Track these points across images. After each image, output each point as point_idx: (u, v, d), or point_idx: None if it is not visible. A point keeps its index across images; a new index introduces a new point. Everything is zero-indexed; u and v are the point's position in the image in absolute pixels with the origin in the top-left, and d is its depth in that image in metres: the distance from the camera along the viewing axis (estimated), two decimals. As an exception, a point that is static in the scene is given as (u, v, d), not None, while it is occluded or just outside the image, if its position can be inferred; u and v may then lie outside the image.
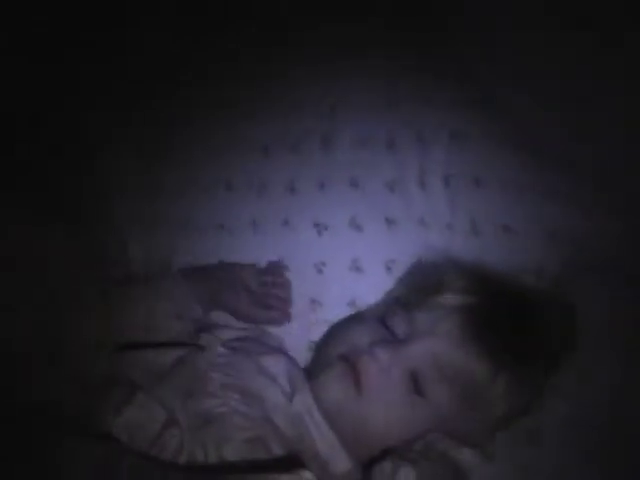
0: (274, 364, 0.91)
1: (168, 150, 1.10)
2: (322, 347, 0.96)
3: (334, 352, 0.91)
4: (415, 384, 0.86)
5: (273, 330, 1.01)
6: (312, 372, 0.92)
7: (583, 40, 1.03)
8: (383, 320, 0.92)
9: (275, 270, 1.04)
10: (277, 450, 0.82)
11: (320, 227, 1.03)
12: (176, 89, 1.12)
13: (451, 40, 1.11)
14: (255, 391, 0.87)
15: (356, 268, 1.02)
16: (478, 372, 0.85)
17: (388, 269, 1.02)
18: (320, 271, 1.02)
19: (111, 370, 0.87)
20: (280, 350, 0.97)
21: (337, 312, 1.00)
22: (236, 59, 1.13)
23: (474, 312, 0.88)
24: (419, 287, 0.95)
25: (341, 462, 0.85)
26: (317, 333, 0.99)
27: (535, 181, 1.02)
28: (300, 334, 1.01)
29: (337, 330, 0.96)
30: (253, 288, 1.02)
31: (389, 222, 1.03)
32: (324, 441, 0.86)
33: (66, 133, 1.05)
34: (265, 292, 1.02)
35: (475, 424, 0.86)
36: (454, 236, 1.03)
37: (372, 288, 1.01)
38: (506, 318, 0.88)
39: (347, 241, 1.03)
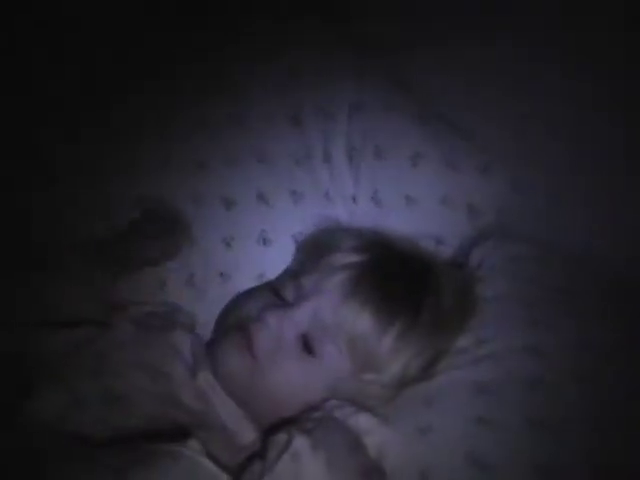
0: (180, 341, 0.93)
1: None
2: (219, 320, 0.99)
3: (229, 323, 0.94)
4: (306, 346, 0.88)
5: (184, 306, 1.02)
6: (211, 345, 0.95)
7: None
8: (276, 290, 0.94)
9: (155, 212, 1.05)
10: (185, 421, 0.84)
11: (228, 202, 1.05)
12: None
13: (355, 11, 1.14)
14: (161, 368, 0.88)
15: (264, 241, 1.04)
16: (362, 327, 0.87)
17: (296, 242, 1.04)
18: (229, 245, 1.04)
19: (18, 348, 0.87)
20: (186, 326, 0.98)
21: (246, 285, 1.01)
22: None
23: (360, 268, 0.90)
24: (312, 253, 0.97)
25: (247, 433, 0.87)
26: (227, 307, 1.00)
27: (435, 152, 1.05)
28: (211, 308, 1.01)
29: (233, 302, 0.99)
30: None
31: (295, 195, 1.06)
32: (229, 414, 0.88)
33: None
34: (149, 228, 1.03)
35: (370, 387, 0.87)
36: (358, 207, 1.06)
37: (280, 260, 1.04)
38: (396, 276, 0.90)
39: (255, 215, 1.05)
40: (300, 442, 0.76)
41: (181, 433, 0.78)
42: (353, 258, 0.92)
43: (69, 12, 1.10)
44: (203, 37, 1.12)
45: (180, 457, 0.72)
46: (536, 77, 1.01)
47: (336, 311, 0.88)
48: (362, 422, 0.81)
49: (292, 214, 1.06)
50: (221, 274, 1.04)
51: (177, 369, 0.89)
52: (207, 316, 1.01)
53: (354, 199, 1.07)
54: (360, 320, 0.87)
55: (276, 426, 0.84)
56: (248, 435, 0.87)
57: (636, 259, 1.00)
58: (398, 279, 0.91)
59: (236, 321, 0.92)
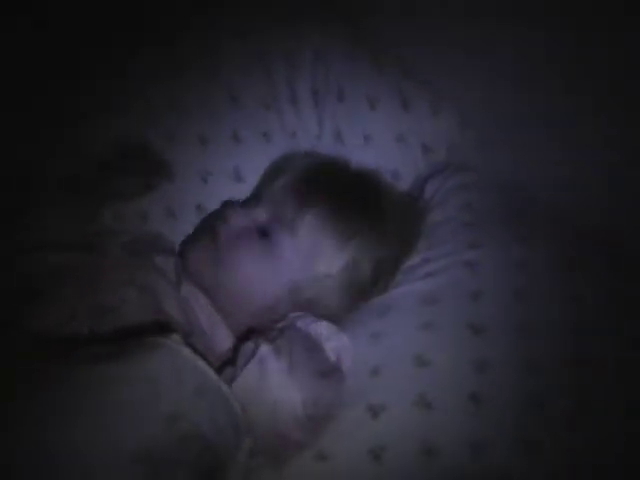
0: (164, 262, 1.02)
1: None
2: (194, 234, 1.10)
3: (198, 229, 1.08)
4: (263, 234, 1.00)
5: (165, 233, 1.11)
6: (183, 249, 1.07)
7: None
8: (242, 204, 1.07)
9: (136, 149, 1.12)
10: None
11: (203, 140, 1.13)
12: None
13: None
14: (148, 285, 0.97)
15: (237, 177, 1.13)
16: (310, 225, 0.99)
17: (264, 176, 1.14)
18: (204, 180, 1.13)
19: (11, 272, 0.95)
20: (169, 250, 1.08)
21: (220, 215, 1.11)
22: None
23: (314, 180, 1.03)
24: (271, 175, 1.10)
25: (223, 340, 0.97)
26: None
27: (391, 95, 1.15)
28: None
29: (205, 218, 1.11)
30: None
31: (266, 136, 1.15)
32: (208, 320, 0.98)
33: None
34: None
35: (325, 283, 0.99)
36: (322, 146, 1.16)
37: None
38: (346, 186, 1.03)
39: (229, 153, 1.14)
40: (265, 349, 0.86)
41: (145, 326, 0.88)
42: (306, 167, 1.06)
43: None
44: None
45: (160, 346, 0.79)
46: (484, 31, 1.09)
47: (291, 210, 1.00)
48: (322, 329, 0.91)
49: (263, 152, 1.14)
50: (198, 206, 1.12)
51: (161, 284, 0.98)
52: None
53: (318, 137, 1.16)
54: (309, 219, 0.99)
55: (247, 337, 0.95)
56: (224, 341, 0.97)
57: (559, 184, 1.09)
58: (348, 189, 1.03)
59: (204, 225, 1.06)
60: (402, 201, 1.10)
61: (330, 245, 1.00)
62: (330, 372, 0.88)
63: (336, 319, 0.96)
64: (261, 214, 1.03)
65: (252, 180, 1.14)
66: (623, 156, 1.05)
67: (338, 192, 1.02)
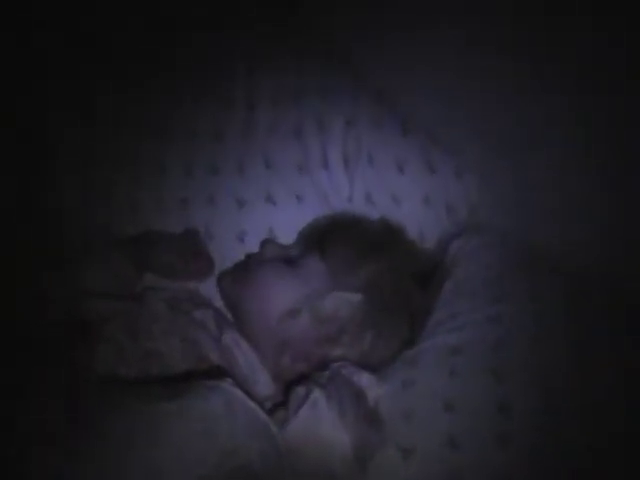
0: (203, 315, 1.10)
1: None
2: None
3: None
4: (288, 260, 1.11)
5: (204, 291, 1.18)
6: None
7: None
8: None
9: (191, 235, 1.20)
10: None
11: (240, 202, 1.21)
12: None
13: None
14: (190, 335, 1.05)
15: (272, 236, 1.20)
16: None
17: (299, 236, 1.22)
18: (242, 240, 1.20)
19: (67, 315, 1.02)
20: (207, 304, 1.16)
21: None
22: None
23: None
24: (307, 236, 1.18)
25: (264, 384, 1.04)
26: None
27: (417, 159, 1.22)
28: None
29: None
30: (180, 250, 1.17)
31: (299, 198, 1.22)
32: (250, 366, 1.04)
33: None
34: (188, 252, 1.17)
35: (350, 307, 1.05)
36: (353, 207, 1.23)
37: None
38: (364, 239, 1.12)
39: (264, 214, 1.21)
40: (317, 393, 0.92)
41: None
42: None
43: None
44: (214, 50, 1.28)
45: (214, 387, 0.86)
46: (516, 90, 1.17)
47: (319, 244, 1.11)
48: (363, 379, 0.97)
49: (296, 213, 1.22)
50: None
51: (202, 335, 1.06)
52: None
53: (349, 199, 1.23)
54: (336, 245, 1.10)
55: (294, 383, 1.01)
56: (265, 387, 1.03)
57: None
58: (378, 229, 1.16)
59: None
60: (425, 254, 1.19)
61: (353, 265, 1.08)
62: (372, 417, 0.94)
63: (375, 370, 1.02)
64: (294, 250, 1.14)
65: (285, 240, 1.20)
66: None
67: (367, 229, 1.14)
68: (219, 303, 1.17)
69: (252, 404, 0.86)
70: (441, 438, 0.92)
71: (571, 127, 1.15)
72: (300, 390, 0.94)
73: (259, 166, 1.23)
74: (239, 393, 0.86)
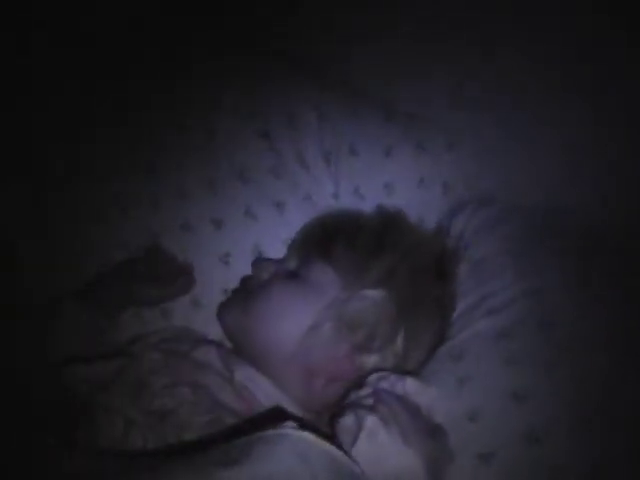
0: (205, 354, 0.97)
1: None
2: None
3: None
4: (293, 274, 0.99)
5: (194, 326, 1.06)
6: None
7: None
8: None
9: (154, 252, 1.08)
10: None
11: (217, 223, 1.09)
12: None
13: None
14: (197, 382, 0.92)
15: (259, 253, 1.09)
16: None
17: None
18: (226, 263, 1.08)
19: (56, 387, 0.90)
20: (206, 340, 1.03)
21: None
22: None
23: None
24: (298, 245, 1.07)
25: (292, 415, 0.90)
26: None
27: (404, 140, 1.13)
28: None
29: None
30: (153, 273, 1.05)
31: (280, 206, 1.11)
32: (272, 402, 0.92)
33: None
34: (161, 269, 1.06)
35: (374, 307, 0.95)
36: (340, 205, 1.13)
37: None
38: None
39: (246, 231, 1.10)
40: (371, 420, 0.77)
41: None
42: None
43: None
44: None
45: (279, 438, 0.69)
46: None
47: (319, 245, 1.00)
48: (409, 387, 0.85)
49: (279, 223, 1.11)
50: (225, 290, 1.07)
51: (211, 378, 0.93)
52: (216, 329, 1.05)
53: (335, 196, 1.13)
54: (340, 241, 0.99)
55: (327, 410, 0.91)
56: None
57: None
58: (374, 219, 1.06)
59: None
60: (431, 237, 1.08)
61: (363, 266, 0.97)
62: (435, 430, 0.83)
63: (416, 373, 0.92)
64: (290, 262, 1.02)
65: (273, 252, 1.09)
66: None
67: (366, 224, 1.04)
68: (216, 337, 1.05)
69: (329, 447, 0.72)
70: (519, 434, 0.82)
71: (556, 80, 1.08)
72: (347, 420, 0.80)
73: (230, 178, 1.12)
74: (309, 437, 0.71)
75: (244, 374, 0.94)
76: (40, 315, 0.99)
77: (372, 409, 0.80)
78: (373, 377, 0.88)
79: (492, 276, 1.00)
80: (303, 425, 0.72)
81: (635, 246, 1.02)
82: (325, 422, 0.92)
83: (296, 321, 0.95)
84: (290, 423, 0.71)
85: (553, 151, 1.11)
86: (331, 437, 0.79)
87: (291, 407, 0.92)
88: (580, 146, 1.10)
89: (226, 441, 0.71)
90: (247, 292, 1.01)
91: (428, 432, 0.81)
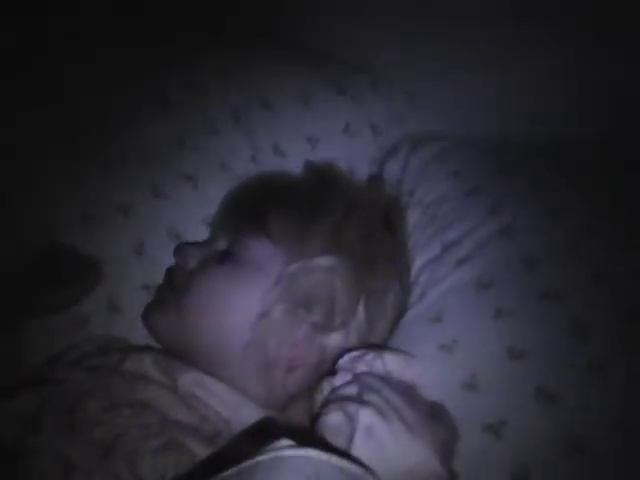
0: (138, 363, 0.83)
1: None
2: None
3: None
4: (224, 256, 0.85)
5: (116, 332, 0.91)
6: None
7: None
8: None
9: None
10: (195, 443, 0.73)
11: (125, 209, 0.94)
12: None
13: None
14: (138, 399, 0.78)
15: (176, 237, 0.94)
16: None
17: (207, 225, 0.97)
18: (139, 253, 0.93)
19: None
20: (134, 348, 0.88)
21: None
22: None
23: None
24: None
25: (255, 417, 0.79)
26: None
27: (323, 82, 1.01)
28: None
29: None
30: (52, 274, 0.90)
31: (192, 180, 0.97)
32: (228, 406, 0.79)
33: None
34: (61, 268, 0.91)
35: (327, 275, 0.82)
36: (260, 167, 1.00)
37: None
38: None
39: (159, 214, 0.95)
40: (365, 414, 0.67)
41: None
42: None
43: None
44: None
45: (285, 460, 0.56)
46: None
47: (248, 217, 0.87)
48: (390, 364, 0.74)
49: (194, 200, 0.97)
50: (145, 287, 0.92)
51: (152, 391, 0.79)
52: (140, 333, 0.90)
53: (253, 158, 1.00)
54: (275, 212, 0.85)
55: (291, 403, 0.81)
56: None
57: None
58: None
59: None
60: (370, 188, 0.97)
61: (304, 232, 0.84)
62: (433, 408, 0.72)
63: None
64: (219, 243, 0.88)
65: (192, 234, 0.95)
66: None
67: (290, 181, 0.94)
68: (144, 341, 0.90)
69: (335, 459, 0.59)
70: (527, 396, 0.72)
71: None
72: (335, 418, 0.68)
73: (129, 157, 0.96)
74: (312, 454, 0.56)
75: (189, 380, 0.80)
76: None
77: (360, 400, 0.68)
78: (345, 360, 0.76)
79: (449, 221, 0.89)
80: (294, 436, 0.59)
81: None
82: (292, 417, 0.82)
83: (241, 310, 0.82)
84: (284, 441, 0.57)
85: (490, 76, 1.00)
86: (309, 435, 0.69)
87: (250, 409, 0.80)
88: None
89: (204, 473, 0.59)
90: (176, 286, 0.87)
91: (428, 413, 0.70)
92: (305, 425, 0.78)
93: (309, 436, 0.70)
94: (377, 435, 0.65)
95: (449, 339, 0.77)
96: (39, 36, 0.98)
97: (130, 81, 0.99)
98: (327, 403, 0.70)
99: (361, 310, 0.83)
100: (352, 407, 0.67)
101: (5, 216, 0.92)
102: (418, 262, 0.88)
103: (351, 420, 0.66)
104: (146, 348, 0.88)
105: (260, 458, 0.55)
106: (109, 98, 0.97)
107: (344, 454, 0.63)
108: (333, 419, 0.68)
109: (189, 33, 1.04)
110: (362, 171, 1.01)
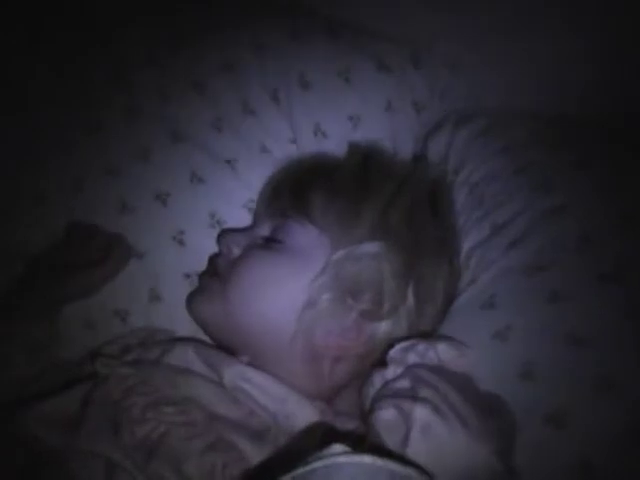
0: (181, 357, 0.80)
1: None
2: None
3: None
4: (268, 240, 0.84)
5: (157, 323, 0.90)
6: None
7: None
8: None
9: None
10: (242, 440, 0.72)
11: (163, 196, 0.92)
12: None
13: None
14: (182, 394, 0.76)
15: (217, 223, 0.93)
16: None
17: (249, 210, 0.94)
18: (181, 242, 0.92)
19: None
20: (177, 340, 0.86)
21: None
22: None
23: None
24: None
25: (307, 414, 0.76)
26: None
27: (363, 59, 0.97)
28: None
29: None
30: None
31: (231, 163, 0.95)
32: (275, 399, 0.76)
33: None
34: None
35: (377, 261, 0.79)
36: (302, 149, 0.97)
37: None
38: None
39: (197, 200, 0.93)
40: (421, 411, 0.63)
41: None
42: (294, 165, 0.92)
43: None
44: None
45: (342, 466, 0.53)
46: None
47: (291, 201, 0.84)
48: (443, 354, 0.71)
49: (235, 185, 0.95)
50: (187, 276, 0.91)
51: (197, 387, 0.77)
52: (183, 324, 0.90)
53: (294, 141, 0.97)
54: (318, 195, 0.83)
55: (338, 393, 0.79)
56: (305, 411, 0.76)
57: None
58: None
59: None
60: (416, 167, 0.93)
61: (351, 216, 0.81)
62: (491, 401, 0.69)
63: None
64: (262, 228, 0.86)
65: (235, 220, 0.93)
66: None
67: (334, 164, 0.89)
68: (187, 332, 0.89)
69: (394, 465, 0.55)
70: (589, 384, 0.68)
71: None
72: (389, 415, 0.65)
73: (165, 142, 0.94)
74: (370, 461, 0.52)
75: (235, 373, 0.78)
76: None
77: (415, 395, 0.65)
78: (396, 350, 0.73)
79: (499, 200, 0.85)
80: (349, 439, 0.56)
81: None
82: (339, 408, 0.80)
83: (287, 298, 0.80)
84: (339, 446, 0.55)
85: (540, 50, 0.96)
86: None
87: (300, 403, 0.77)
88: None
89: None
90: (220, 274, 0.85)
91: (484, 407, 0.67)
92: (353, 416, 0.77)
93: (361, 437, 0.68)
94: (434, 434, 0.62)
95: (503, 326, 0.74)
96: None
97: (161, 65, 0.96)
98: (380, 398, 0.67)
99: (410, 297, 0.80)
100: (407, 403, 0.64)
101: (39, 202, 0.92)
102: (467, 245, 0.85)
103: (406, 417, 0.63)
104: (189, 340, 0.86)
105: (315, 465, 0.53)
106: (140, 83, 0.96)
107: (399, 457, 0.60)
108: (388, 416, 0.65)
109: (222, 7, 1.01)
110: (405, 150, 0.97)
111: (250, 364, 0.79)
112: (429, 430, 0.63)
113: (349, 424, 0.76)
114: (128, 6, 1.01)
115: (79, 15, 1.00)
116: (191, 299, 0.87)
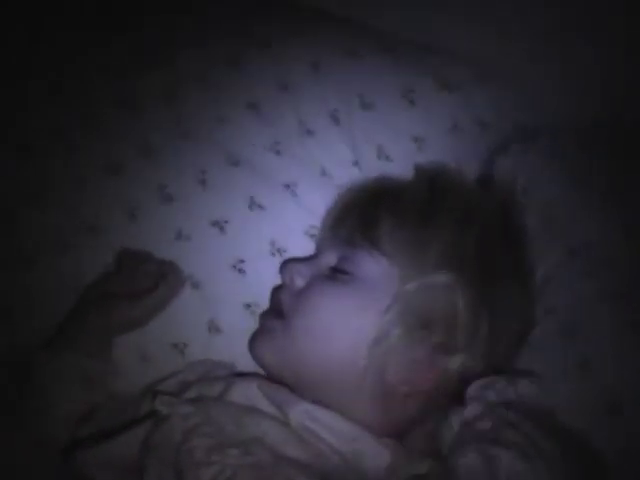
0: (244, 393, 0.77)
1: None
2: None
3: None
4: (335, 272, 0.80)
5: (217, 356, 0.87)
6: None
7: None
8: None
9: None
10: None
11: (220, 223, 0.90)
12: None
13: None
14: (247, 435, 0.72)
15: (278, 252, 0.90)
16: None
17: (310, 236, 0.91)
18: (241, 271, 0.89)
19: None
20: (239, 376, 0.84)
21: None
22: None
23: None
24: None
25: (377, 453, 0.72)
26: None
27: (424, 81, 0.94)
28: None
29: None
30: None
31: (290, 188, 0.92)
32: (344, 439, 0.73)
33: None
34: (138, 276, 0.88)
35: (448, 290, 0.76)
36: (363, 172, 0.93)
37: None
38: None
39: (257, 227, 0.91)
40: (507, 458, 0.61)
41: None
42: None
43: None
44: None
45: None
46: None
47: (358, 228, 0.81)
48: (523, 390, 0.68)
49: (295, 210, 0.92)
50: (247, 306, 0.88)
51: (263, 426, 0.73)
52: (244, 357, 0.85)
53: (356, 163, 0.94)
54: (386, 221, 0.79)
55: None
56: (382, 456, 0.72)
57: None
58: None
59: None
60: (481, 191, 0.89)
61: (419, 245, 0.78)
62: (579, 438, 0.65)
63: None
64: (328, 257, 0.83)
65: (297, 249, 0.90)
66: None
67: (401, 189, 0.85)
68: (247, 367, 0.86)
69: None
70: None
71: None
72: (472, 461, 0.62)
73: (222, 166, 0.92)
74: None
75: (302, 412, 0.74)
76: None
77: (498, 439, 0.62)
78: (474, 388, 0.70)
79: (573, 222, 0.81)
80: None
81: None
82: (410, 445, 0.75)
83: (357, 334, 0.76)
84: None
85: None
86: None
87: (370, 441, 0.73)
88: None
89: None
90: (283, 311, 0.81)
91: (571, 445, 0.63)
92: (425, 453, 0.72)
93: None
94: None
95: (585, 356, 0.71)
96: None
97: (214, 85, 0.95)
98: (462, 442, 0.64)
99: (485, 328, 0.76)
100: (491, 449, 0.61)
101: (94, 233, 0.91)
102: (541, 270, 0.81)
103: (491, 464, 0.60)
104: (252, 375, 0.83)
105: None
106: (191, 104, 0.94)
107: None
108: (470, 462, 0.62)
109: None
110: (471, 171, 0.93)
111: (315, 402, 0.76)
112: (516, 478, 0.59)
113: (422, 465, 0.72)
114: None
115: (79, 15, 1.00)
116: (253, 341, 0.83)
